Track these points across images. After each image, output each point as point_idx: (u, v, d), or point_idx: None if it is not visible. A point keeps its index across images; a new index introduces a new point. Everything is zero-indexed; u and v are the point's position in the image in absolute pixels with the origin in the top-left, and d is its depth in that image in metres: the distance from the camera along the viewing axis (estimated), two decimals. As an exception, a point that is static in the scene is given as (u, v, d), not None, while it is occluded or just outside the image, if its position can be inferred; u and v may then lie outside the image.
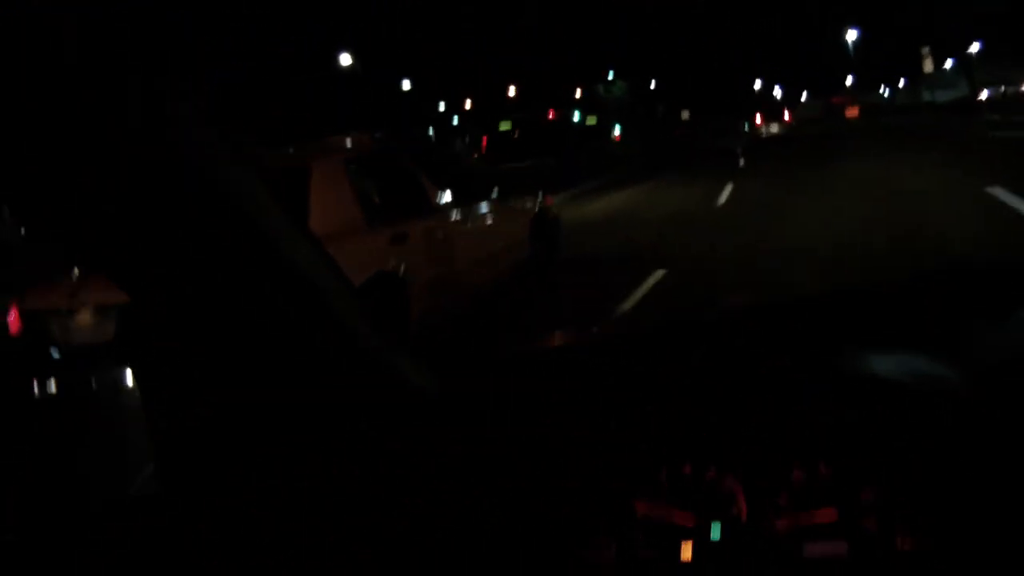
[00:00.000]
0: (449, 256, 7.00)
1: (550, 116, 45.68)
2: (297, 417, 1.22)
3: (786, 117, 77.88)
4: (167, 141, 0.96)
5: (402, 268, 6.07)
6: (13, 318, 5.34)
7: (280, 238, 1.13)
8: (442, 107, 61.33)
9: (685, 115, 73.96)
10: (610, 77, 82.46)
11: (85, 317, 5.17)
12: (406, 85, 53.46)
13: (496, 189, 8.70)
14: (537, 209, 9.63)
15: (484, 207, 8.20)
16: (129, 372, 1.39)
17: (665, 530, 1.23)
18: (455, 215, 7.39)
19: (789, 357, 1.44)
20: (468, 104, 60.65)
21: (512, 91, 61.05)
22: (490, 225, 8.15)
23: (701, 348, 1.57)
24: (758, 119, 71.24)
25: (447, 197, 7.33)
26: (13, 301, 5.38)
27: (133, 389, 1.37)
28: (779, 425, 1.25)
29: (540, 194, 9.85)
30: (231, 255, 1.07)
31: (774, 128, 69.78)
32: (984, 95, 48.66)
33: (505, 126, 39.82)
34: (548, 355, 1.66)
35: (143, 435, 1.28)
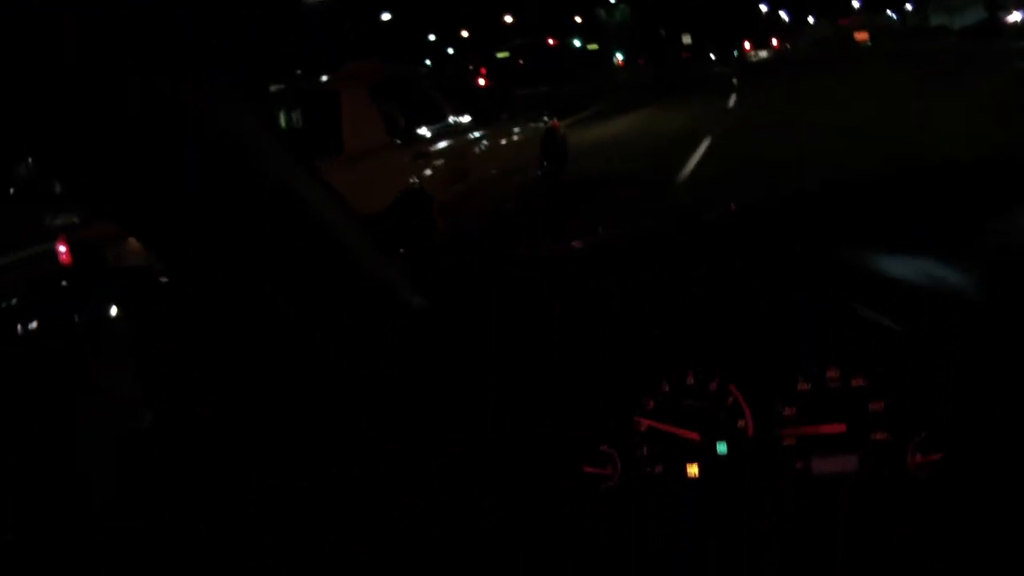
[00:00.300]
0: (466, 173, 7.39)
1: (549, 43, 45.00)
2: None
3: (774, 43, 77.29)
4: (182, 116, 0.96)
5: (426, 183, 6.48)
6: (64, 249, 5.61)
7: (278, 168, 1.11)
8: (432, 38, 60.38)
9: (687, 39, 73.05)
10: (612, 0, 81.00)
11: (135, 243, 5.23)
12: (385, 17, 52.58)
13: (505, 112, 9.09)
14: (545, 130, 9.87)
15: (495, 129, 8.46)
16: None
17: (670, 445, 1.21)
18: (470, 136, 7.84)
19: (793, 261, 1.36)
20: (465, 33, 59.60)
21: (508, 19, 60.06)
22: (502, 145, 8.44)
23: (702, 255, 1.49)
24: (746, 46, 70.99)
25: (462, 119, 7.79)
26: (62, 233, 5.67)
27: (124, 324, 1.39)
28: (783, 333, 1.21)
29: (546, 116, 10.10)
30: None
31: (763, 54, 69.21)
32: (1017, 17, 43.53)
33: (503, 54, 39.32)
34: (546, 263, 1.60)
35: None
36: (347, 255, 1.22)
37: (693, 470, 1.20)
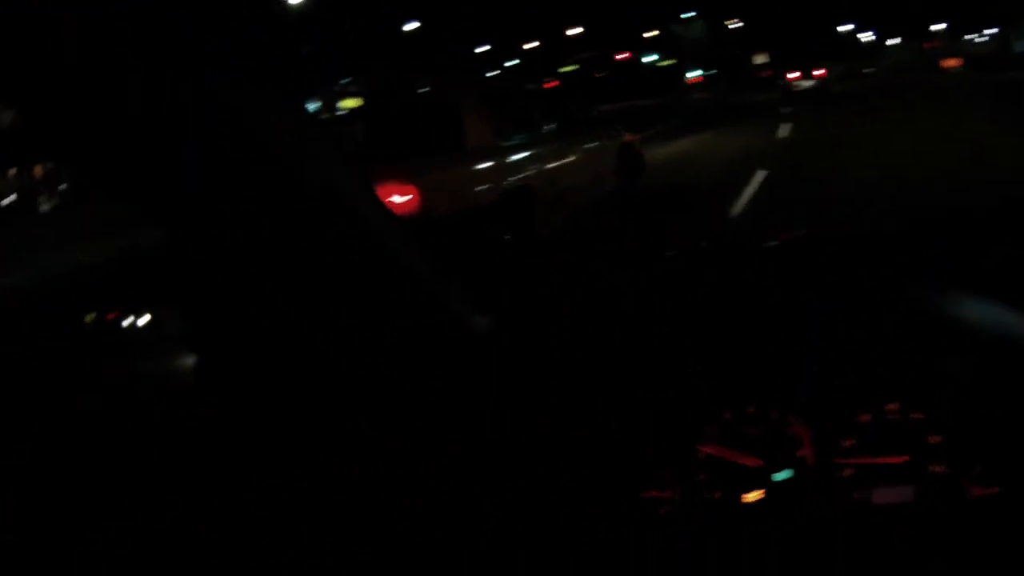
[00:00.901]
0: (557, 177, 8.08)
1: (617, 57, 45.00)
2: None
3: (819, 73, 74.63)
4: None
5: (528, 182, 7.32)
6: None
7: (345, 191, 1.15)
8: (484, 48, 59.64)
9: (761, 59, 68.87)
10: (686, 16, 77.89)
11: None
12: (413, 25, 52.39)
13: (587, 125, 9.56)
14: (620, 144, 10.20)
15: (579, 139, 9.05)
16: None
17: (730, 472, 1.21)
18: (558, 144, 8.51)
19: (858, 297, 1.39)
20: (528, 45, 58.72)
21: (575, 31, 59.39)
22: (584, 154, 8.95)
23: (765, 286, 1.52)
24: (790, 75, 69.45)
25: (550, 127, 8.55)
26: None
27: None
28: (844, 366, 1.23)
29: (620, 130, 10.53)
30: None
31: (806, 84, 66.64)
32: None
33: (569, 68, 38.89)
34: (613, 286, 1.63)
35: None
36: (398, 267, 1.23)
37: (751, 497, 1.20)
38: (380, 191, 4.53)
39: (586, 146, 9.17)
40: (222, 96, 1.01)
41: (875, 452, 1.17)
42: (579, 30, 59.99)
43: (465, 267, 1.39)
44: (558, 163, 8.33)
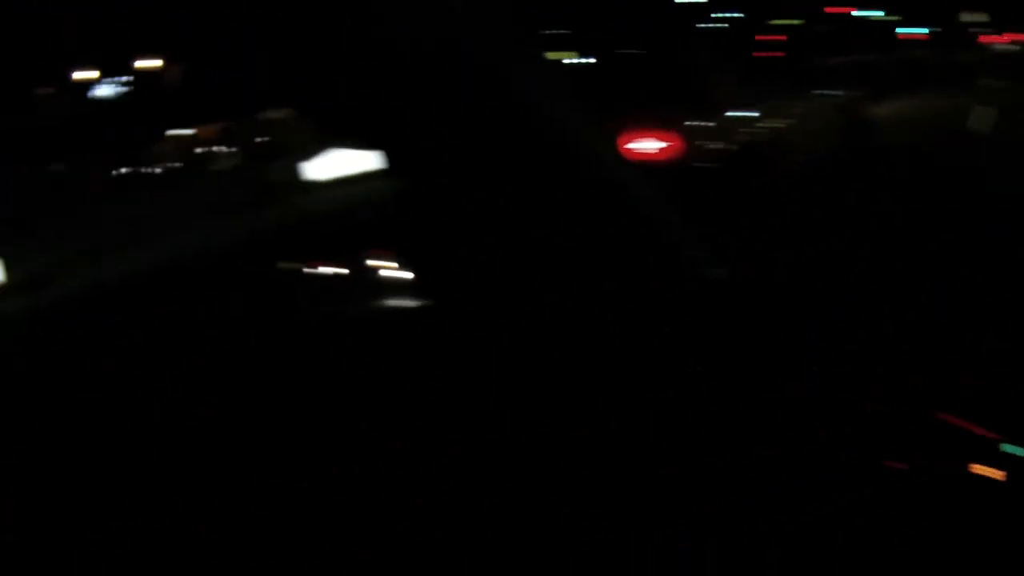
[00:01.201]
0: (784, 135, 8.25)
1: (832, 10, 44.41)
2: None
3: None
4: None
5: (764, 137, 7.62)
6: None
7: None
8: None
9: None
10: None
11: None
12: None
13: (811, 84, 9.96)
14: (845, 103, 10.66)
15: (804, 98, 9.29)
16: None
17: (963, 442, 1.19)
18: (785, 102, 8.72)
19: None
20: None
21: None
22: (810, 112, 9.38)
23: None
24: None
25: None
26: None
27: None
28: None
29: (846, 91, 11.01)
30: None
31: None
32: None
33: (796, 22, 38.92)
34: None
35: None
36: (637, 212, 1.32)
37: (980, 468, 1.18)
38: (646, 137, 5.28)
39: (811, 104, 10.01)
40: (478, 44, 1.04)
41: None
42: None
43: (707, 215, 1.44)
44: (794, 118, 8.58)
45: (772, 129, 8.06)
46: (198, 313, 1.53)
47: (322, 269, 1.66)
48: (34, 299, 1.99)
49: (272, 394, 1.22)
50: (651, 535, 1.21)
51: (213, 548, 1.20)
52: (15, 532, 1.20)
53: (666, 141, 6.76)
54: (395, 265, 1.58)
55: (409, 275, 1.47)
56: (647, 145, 6.93)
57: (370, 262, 1.63)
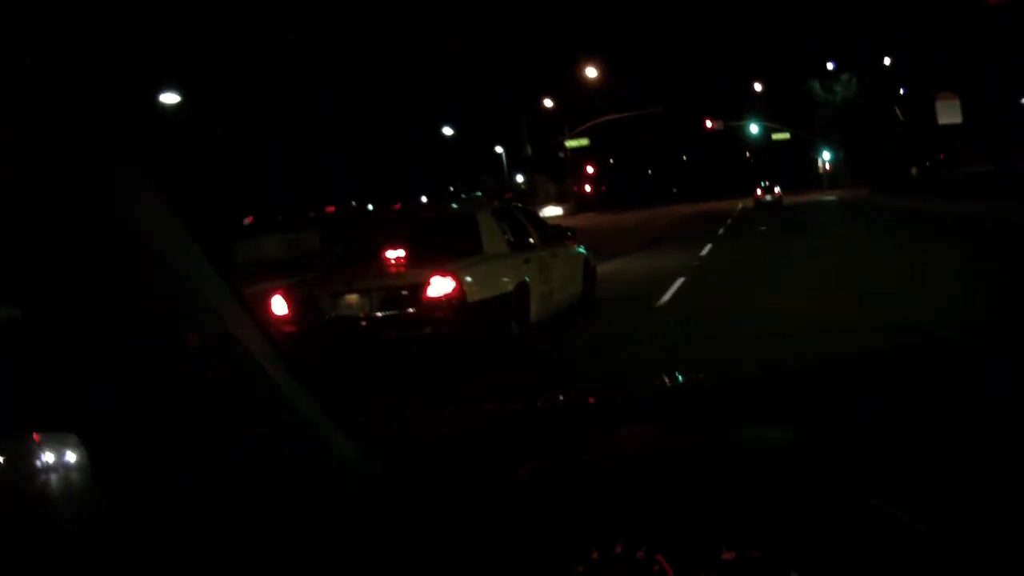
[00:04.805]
0: (547, 279, 9.94)
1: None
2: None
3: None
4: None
5: (527, 280, 9.21)
6: (277, 301, 8.10)
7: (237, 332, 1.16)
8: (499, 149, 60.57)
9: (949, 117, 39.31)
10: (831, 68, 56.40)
11: (353, 298, 7.99)
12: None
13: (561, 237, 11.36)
14: (585, 257, 11.92)
15: (559, 250, 10.84)
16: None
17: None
18: (546, 252, 10.31)
19: (727, 441, 1.42)
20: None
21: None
22: (561, 262, 10.73)
23: (640, 426, 1.57)
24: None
25: (539, 239, 10.44)
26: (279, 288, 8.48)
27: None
28: (710, 506, 1.23)
29: (582, 246, 12.07)
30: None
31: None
32: None
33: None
34: (491, 433, 1.67)
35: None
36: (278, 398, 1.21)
37: None
38: (427, 278, 7.27)
39: (563, 255, 10.97)
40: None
41: None
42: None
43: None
44: (550, 267, 10.18)
45: (533, 275, 9.40)
46: None
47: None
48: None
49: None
50: None
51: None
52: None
53: (448, 282, 7.83)
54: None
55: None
56: (435, 287, 7.83)
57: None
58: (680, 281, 13.84)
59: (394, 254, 8.49)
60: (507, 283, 8.74)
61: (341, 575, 1.22)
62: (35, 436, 1.09)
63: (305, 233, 29.32)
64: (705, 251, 20.56)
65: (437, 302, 7.70)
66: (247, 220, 40.96)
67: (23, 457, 1.09)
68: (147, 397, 1.08)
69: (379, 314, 7.89)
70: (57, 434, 1.08)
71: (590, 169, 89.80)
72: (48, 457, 1.08)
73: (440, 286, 7.72)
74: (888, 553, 1.11)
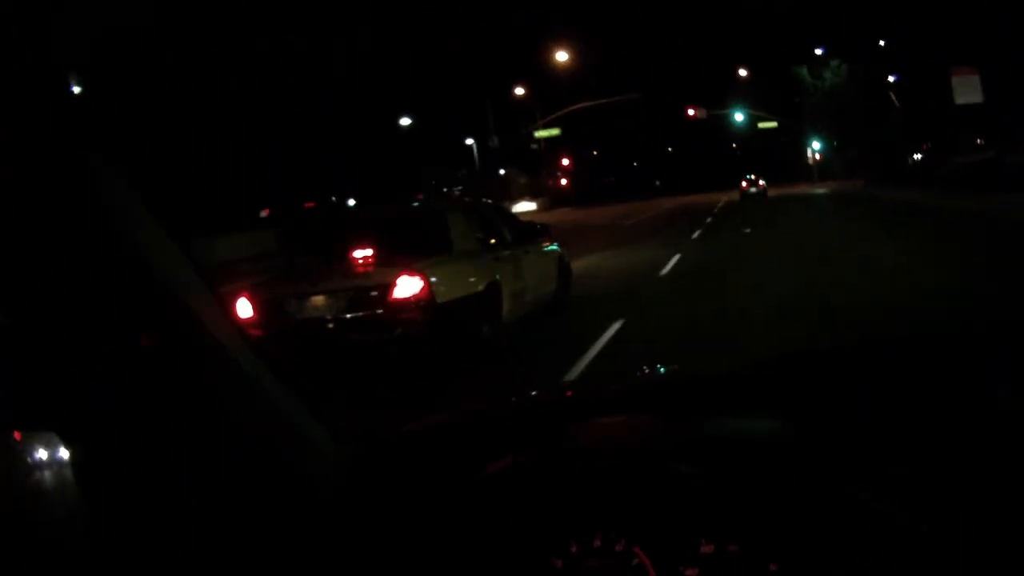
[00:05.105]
0: (520, 277, 9.68)
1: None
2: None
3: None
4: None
5: (498, 279, 8.91)
6: (242, 304, 7.79)
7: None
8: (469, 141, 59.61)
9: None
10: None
11: (319, 299, 7.77)
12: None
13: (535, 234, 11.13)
14: (559, 254, 11.71)
15: (532, 248, 10.59)
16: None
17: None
18: (519, 250, 10.04)
19: (705, 432, 1.42)
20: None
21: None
22: (534, 260, 10.48)
23: (618, 418, 1.57)
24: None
25: (511, 236, 10.16)
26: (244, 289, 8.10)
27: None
28: (688, 498, 1.24)
29: (556, 243, 11.87)
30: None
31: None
32: None
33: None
34: (474, 423, 1.70)
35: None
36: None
37: None
38: (394, 278, 6.88)
39: (537, 253, 10.74)
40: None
41: None
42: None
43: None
44: (522, 265, 9.89)
45: (505, 272, 9.11)
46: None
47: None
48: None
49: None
50: None
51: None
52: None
53: (416, 282, 7.57)
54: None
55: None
56: (403, 287, 7.58)
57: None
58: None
59: (361, 253, 8.21)
60: (477, 282, 8.47)
61: (330, 567, 1.23)
62: (16, 435, 1.12)
63: (263, 233, 29.47)
64: (683, 248, 19.63)
65: (405, 303, 7.50)
66: (263, 213, 42.12)
67: (11, 455, 1.12)
68: (146, 397, 1.09)
69: (347, 315, 7.67)
70: (42, 433, 1.11)
71: (566, 161, 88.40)
72: (40, 454, 1.11)
73: (408, 286, 7.52)
74: (878, 551, 1.10)
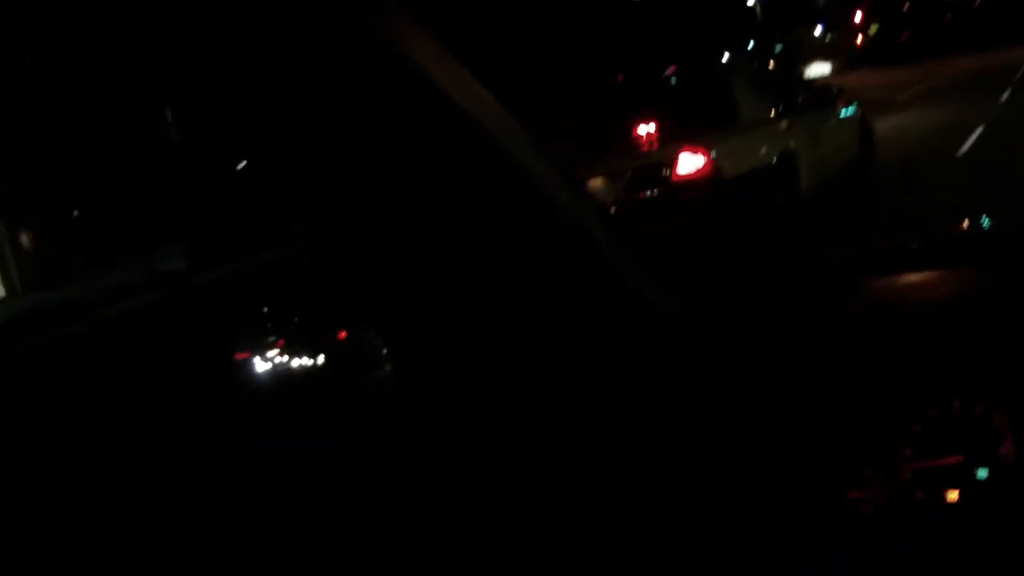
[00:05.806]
0: (818, 145, 8.75)
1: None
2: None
3: None
4: None
5: (792, 148, 8.13)
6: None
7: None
8: None
9: None
10: None
11: (597, 182, 7.32)
12: None
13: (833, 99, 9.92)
14: (859, 117, 10.37)
15: (829, 112, 9.53)
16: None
17: (932, 470, 1.17)
18: (814, 116, 9.05)
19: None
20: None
21: None
22: (834, 126, 9.47)
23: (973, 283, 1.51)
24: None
25: (804, 102, 9.17)
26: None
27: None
28: None
29: (857, 105, 10.56)
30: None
31: None
32: None
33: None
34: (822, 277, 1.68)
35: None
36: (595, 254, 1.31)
37: (953, 495, 1.16)
38: (676, 155, 6.05)
39: (835, 118, 9.69)
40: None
41: None
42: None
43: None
44: (821, 132, 8.96)
45: (800, 142, 8.29)
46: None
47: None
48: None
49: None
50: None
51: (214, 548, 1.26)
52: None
53: (699, 158, 6.95)
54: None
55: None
56: (685, 163, 6.96)
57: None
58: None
59: (642, 129, 7.74)
60: (769, 154, 7.72)
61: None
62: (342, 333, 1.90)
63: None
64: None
65: (688, 180, 6.95)
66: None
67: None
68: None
69: (628, 198, 7.25)
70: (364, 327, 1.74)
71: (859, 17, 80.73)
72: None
73: (690, 162, 6.96)
74: None
